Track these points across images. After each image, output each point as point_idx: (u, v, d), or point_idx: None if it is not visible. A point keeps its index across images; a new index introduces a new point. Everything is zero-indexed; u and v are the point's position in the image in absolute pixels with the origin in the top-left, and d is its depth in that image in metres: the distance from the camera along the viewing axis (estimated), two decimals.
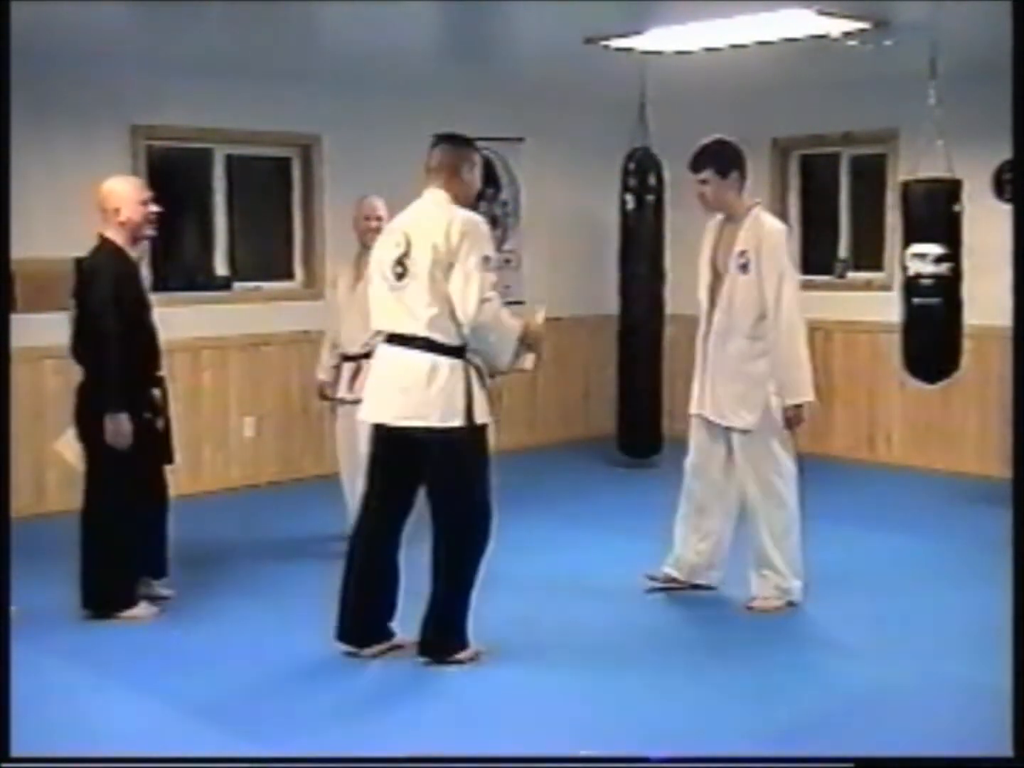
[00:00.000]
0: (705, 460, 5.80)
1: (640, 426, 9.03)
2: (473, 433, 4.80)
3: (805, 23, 6.52)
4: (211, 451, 8.23)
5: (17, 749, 3.53)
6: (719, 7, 6.28)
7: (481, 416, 4.80)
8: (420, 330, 4.73)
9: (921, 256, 7.01)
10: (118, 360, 5.37)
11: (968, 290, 7.20)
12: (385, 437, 4.93)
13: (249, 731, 4.34)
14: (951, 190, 7.06)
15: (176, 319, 8.00)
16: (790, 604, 5.61)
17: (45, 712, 4.41)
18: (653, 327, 8.95)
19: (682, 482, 5.89)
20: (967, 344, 7.41)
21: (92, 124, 7.62)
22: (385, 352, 4.90)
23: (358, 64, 7.75)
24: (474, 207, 5.01)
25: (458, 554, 4.95)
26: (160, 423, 5.65)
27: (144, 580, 5.70)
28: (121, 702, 4.66)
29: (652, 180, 8.81)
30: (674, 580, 5.89)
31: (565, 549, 6.82)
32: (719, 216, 5.80)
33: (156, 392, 5.66)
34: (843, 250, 9.38)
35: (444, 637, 4.96)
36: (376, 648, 5.00)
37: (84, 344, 5.50)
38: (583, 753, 3.90)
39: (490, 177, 9.46)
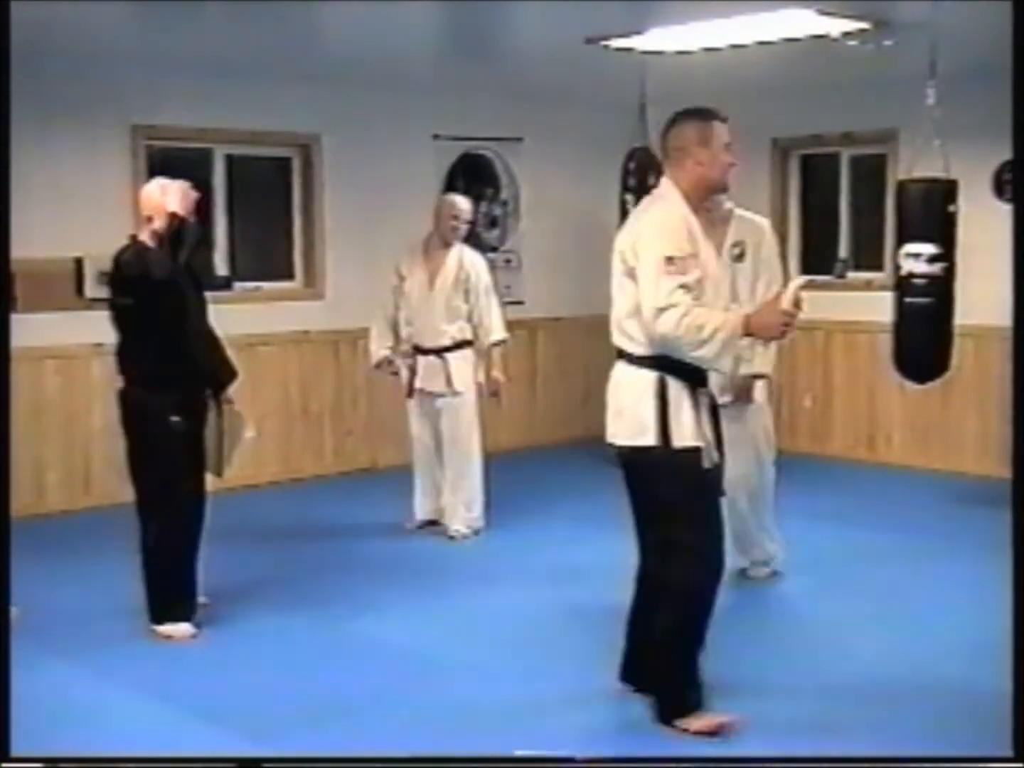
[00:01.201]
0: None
1: None
2: (672, 456, 4.13)
3: (805, 23, 6.51)
4: None
5: (17, 749, 3.54)
6: (719, 7, 6.27)
7: (682, 438, 4.13)
8: (615, 337, 4.27)
9: (915, 256, 7.00)
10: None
11: (967, 290, 7.20)
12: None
13: (248, 731, 4.36)
14: (947, 190, 7.06)
15: None
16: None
17: (44, 711, 4.40)
18: None
19: None
20: (966, 344, 7.42)
21: (92, 124, 7.62)
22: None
23: (358, 64, 7.75)
24: (723, 189, 4.41)
25: (665, 610, 4.29)
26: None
27: None
28: (120, 701, 4.67)
29: (652, 180, 8.77)
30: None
31: (566, 547, 6.82)
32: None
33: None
34: (843, 250, 9.39)
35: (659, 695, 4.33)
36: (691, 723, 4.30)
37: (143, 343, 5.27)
38: (518, 753, 3.91)
39: (489, 177, 9.47)
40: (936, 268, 6.97)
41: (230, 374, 5.52)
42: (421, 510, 7.14)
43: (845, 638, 5.33)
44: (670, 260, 4.00)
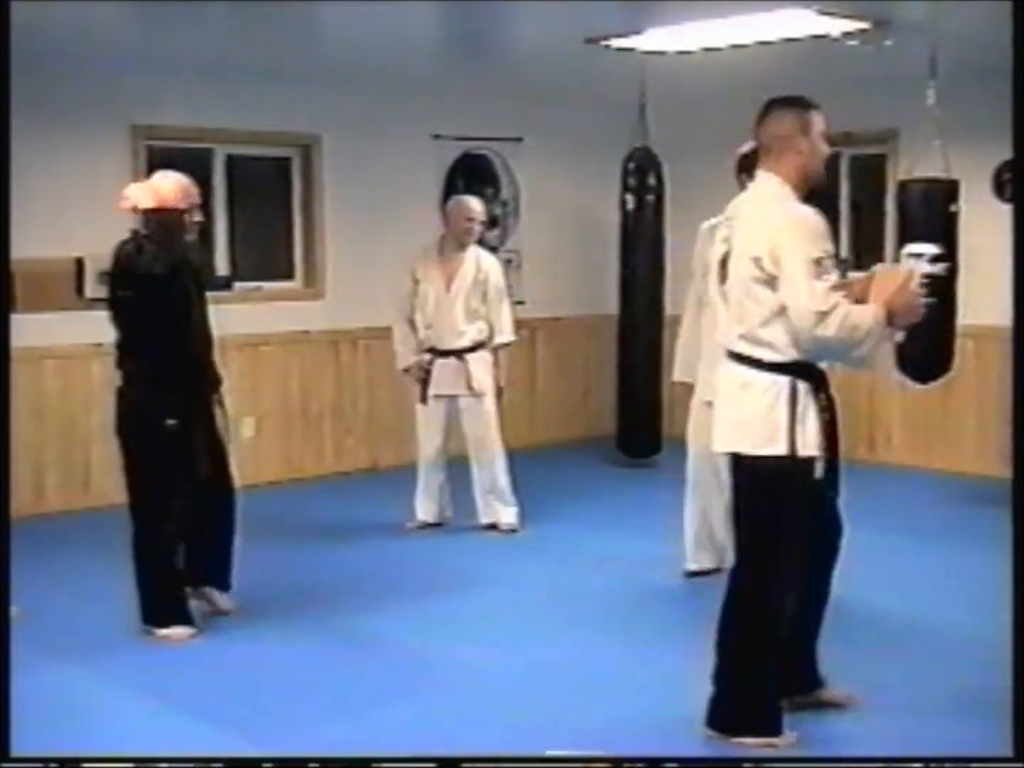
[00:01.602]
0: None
1: (640, 426, 9.03)
2: (795, 467, 3.98)
3: (805, 23, 6.51)
4: None
5: (17, 749, 3.54)
6: (719, 7, 6.27)
7: (806, 446, 3.98)
8: (738, 344, 4.07)
9: (917, 256, 7.00)
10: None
11: (968, 290, 7.20)
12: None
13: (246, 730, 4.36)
14: (948, 190, 7.06)
15: None
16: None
17: (44, 711, 4.40)
18: (653, 327, 8.95)
19: (682, 480, 6.02)
20: (967, 344, 7.41)
21: (92, 124, 7.63)
22: (722, 366, 4.23)
23: (358, 64, 7.74)
24: (822, 180, 4.30)
25: (742, 626, 4.15)
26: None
27: (205, 591, 5.51)
28: (119, 701, 4.67)
29: (652, 180, 8.81)
30: None
31: (565, 547, 6.82)
32: (711, 221, 5.90)
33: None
34: (843, 250, 9.38)
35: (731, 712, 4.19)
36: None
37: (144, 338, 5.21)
38: (550, 753, 3.88)
39: (489, 177, 9.47)
40: (938, 268, 6.98)
41: (217, 377, 5.46)
42: (423, 511, 7.16)
43: (842, 635, 5.32)
44: (818, 262, 3.88)
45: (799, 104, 4.19)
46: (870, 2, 6.27)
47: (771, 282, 3.92)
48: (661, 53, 7.42)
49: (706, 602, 5.73)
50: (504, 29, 7.00)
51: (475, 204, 7.06)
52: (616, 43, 7.06)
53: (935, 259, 6.95)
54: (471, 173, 9.37)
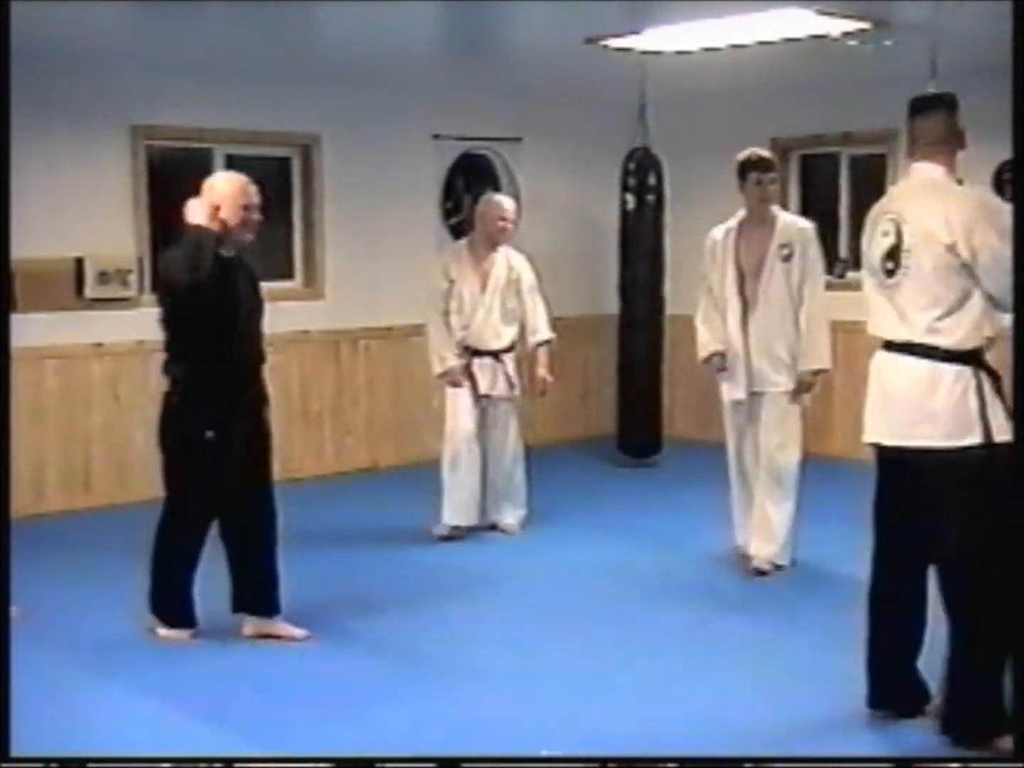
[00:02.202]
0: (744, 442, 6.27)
1: (640, 426, 9.03)
2: (991, 456, 3.93)
3: (805, 23, 6.51)
4: None
5: (17, 749, 3.54)
6: (719, 7, 6.27)
7: (1001, 430, 3.94)
8: (917, 336, 4.01)
9: None
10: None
11: None
12: (886, 462, 4.22)
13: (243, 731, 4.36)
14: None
15: None
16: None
17: (44, 711, 4.41)
18: (653, 327, 8.96)
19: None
20: None
21: (91, 124, 7.63)
22: (882, 360, 4.19)
23: (358, 64, 7.74)
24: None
25: (970, 633, 4.04)
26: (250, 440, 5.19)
27: (258, 620, 5.28)
28: (119, 701, 4.67)
29: (652, 180, 8.81)
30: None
31: (565, 546, 6.83)
32: (729, 224, 6.31)
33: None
34: (843, 250, 9.38)
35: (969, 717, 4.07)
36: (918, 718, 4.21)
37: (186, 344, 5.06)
38: (544, 753, 3.90)
39: (489, 177, 9.47)
40: None
41: (262, 394, 5.29)
42: (454, 516, 6.91)
43: (841, 634, 5.33)
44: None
45: (950, 100, 4.31)
46: (869, 2, 6.27)
47: (963, 268, 3.93)
48: (660, 53, 7.42)
49: (712, 602, 5.80)
50: (504, 29, 7.00)
51: (508, 203, 7.04)
52: (615, 43, 7.06)
53: None
54: (471, 173, 9.37)
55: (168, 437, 5.13)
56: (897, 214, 4.16)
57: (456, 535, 6.89)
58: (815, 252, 6.25)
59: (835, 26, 6.61)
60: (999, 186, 8.42)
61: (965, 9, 6.13)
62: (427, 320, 6.99)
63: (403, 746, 4.09)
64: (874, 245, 4.23)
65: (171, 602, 5.27)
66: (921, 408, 3.99)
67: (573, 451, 9.39)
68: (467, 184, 9.18)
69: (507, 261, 6.96)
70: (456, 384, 6.88)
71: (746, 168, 6.23)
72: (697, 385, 9.68)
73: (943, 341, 3.97)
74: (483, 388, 6.87)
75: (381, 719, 4.48)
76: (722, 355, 6.17)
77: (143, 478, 6.91)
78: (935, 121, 4.20)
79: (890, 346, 4.12)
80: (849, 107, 8.84)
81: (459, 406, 6.90)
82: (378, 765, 3.68)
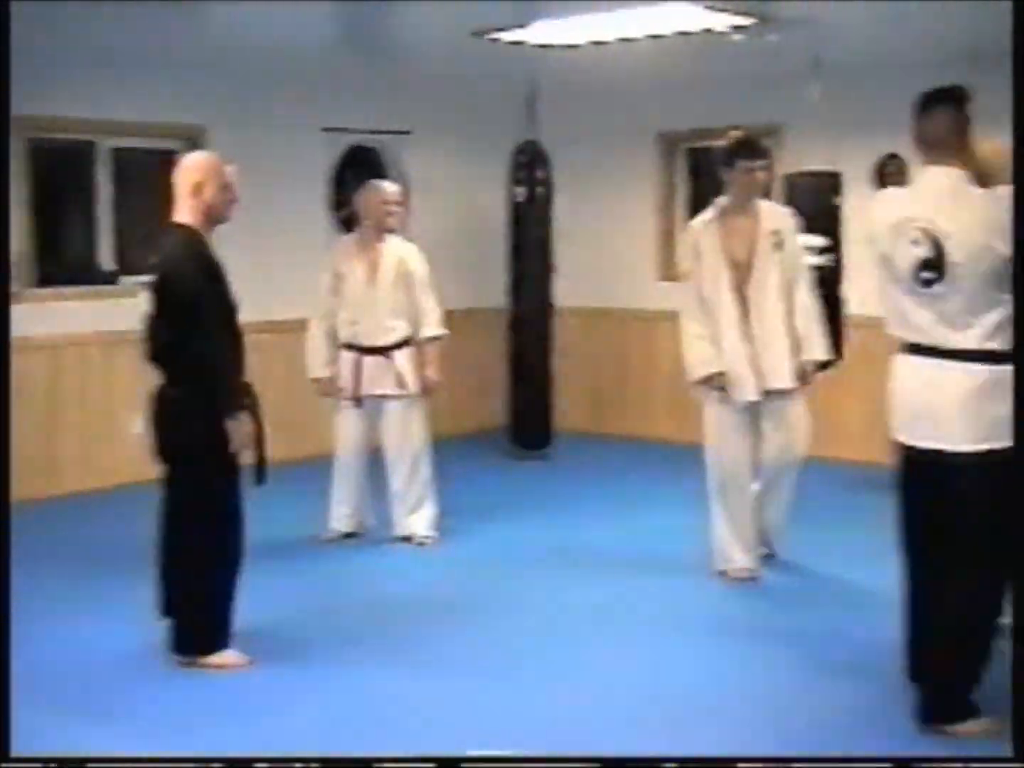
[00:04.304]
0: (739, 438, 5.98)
1: (531, 418, 9.07)
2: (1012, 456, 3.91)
3: (691, 18, 6.59)
4: (102, 448, 8.08)
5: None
6: (607, 2, 6.32)
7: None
8: (973, 343, 3.98)
9: (805, 248, 7.13)
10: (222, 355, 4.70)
11: (851, 281, 7.33)
12: (914, 463, 4.19)
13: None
14: (832, 183, 7.19)
15: (61, 314, 7.89)
16: None
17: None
18: (543, 320, 8.99)
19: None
20: (851, 334, 7.54)
21: None
22: (915, 365, 4.17)
23: (246, 57, 7.68)
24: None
25: (960, 621, 4.10)
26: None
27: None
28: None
29: (541, 173, 8.85)
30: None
31: (456, 539, 6.82)
32: (706, 215, 6.05)
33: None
34: None
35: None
36: (964, 727, 4.10)
37: (173, 345, 4.70)
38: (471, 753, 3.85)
39: (378, 170, 9.42)
40: (825, 259, 7.10)
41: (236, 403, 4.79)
42: (341, 522, 6.78)
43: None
44: None
45: (963, 94, 4.11)
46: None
47: (1000, 268, 3.90)
48: (550, 47, 7.45)
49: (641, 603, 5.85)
50: (393, 22, 6.98)
51: (391, 188, 6.73)
52: (504, 36, 7.08)
53: (821, 251, 7.07)
54: (359, 166, 9.32)
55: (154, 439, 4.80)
56: (929, 223, 3.99)
57: (347, 537, 6.74)
58: (798, 241, 6.02)
59: (721, 21, 6.69)
60: (881, 179, 8.59)
61: (847, 6, 6.24)
62: (311, 319, 6.73)
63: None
64: (901, 254, 4.06)
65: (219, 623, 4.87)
66: (992, 412, 3.96)
67: (466, 444, 9.38)
68: (356, 177, 9.12)
69: (398, 253, 6.65)
70: (326, 394, 6.69)
71: (733, 154, 5.84)
72: (588, 377, 9.76)
73: (999, 345, 3.95)
74: (370, 388, 6.59)
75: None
76: (723, 375, 5.83)
77: None
78: (939, 119, 4.05)
79: (933, 352, 4.06)
80: (735, 101, 8.95)
81: (342, 412, 6.72)
82: (376, 765, 3.67)
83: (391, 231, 6.68)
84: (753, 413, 5.95)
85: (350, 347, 6.62)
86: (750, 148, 5.87)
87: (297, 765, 3.67)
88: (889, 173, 8.55)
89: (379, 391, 6.62)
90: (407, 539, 6.73)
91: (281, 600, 5.68)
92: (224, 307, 4.79)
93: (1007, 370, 3.88)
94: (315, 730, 4.30)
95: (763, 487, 6.09)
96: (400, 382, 6.61)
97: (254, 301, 8.21)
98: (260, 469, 4.89)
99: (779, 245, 5.85)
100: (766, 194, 6.23)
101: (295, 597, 5.81)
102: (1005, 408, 3.89)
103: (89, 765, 3.61)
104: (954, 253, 3.92)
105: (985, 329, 3.95)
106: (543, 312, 9.00)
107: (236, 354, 4.84)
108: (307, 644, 5.16)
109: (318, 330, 6.68)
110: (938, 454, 4.06)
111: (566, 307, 9.06)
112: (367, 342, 6.60)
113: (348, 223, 8.84)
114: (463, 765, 3.65)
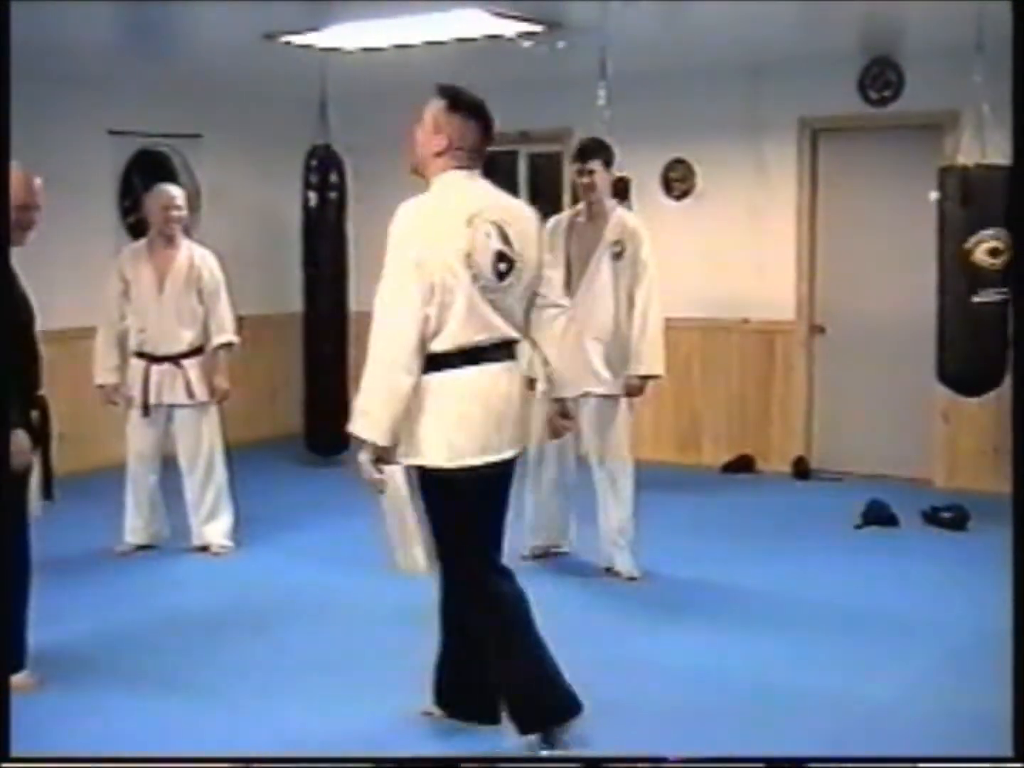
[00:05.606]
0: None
1: (327, 424, 9.02)
2: None
3: (481, 23, 6.65)
4: None
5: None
6: (396, 7, 6.34)
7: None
8: (512, 334, 4.05)
9: None
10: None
11: None
12: (491, 476, 4.00)
13: None
14: (620, 187, 7.32)
15: None
16: None
17: None
18: (338, 325, 8.96)
19: None
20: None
21: None
22: (485, 372, 4.00)
23: (31, 58, 7.44)
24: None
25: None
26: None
27: None
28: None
29: (334, 177, 8.82)
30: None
31: (252, 548, 6.76)
32: (562, 215, 6.19)
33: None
34: None
35: None
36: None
37: None
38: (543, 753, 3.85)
39: (167, 174, 9.26)
40: None
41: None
42: (135, 534, 6.63)
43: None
44: None
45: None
46: (542, 3, 6.44)
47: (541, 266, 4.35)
48: (340, 50, 7.44)
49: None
50: (181, 24, 6.88)
51: (173, 191, 6.62)
52: (295, 39, 7.04)
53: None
54: (148, 170, 9.14)
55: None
56: (496, 218, 4.42)
57: (142, 549, 6.62)
58: (647, 254, 5.99)
59: (509, 27, 6.77)
60: (667, 183, 8.81)
61: (633, 13, 6.37)
62: (98, 325, 6.58)
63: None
64: (479, 247, 4.24)
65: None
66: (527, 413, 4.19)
67: (260, 450, 9.28)
68: (145, 182, 8.94)
69: (189, 259, 6.54)
70: (111, 402, 6.58)
71: (573, 158, 6.06)
72: None
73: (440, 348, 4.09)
74: (159, 396, 6.49)
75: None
76: None
77: None
78: (472, 128, 4.47)
79: (487, 350, 4.00)
80: (526, 107, 9.05)
81: (131, 423, 6.60)
82: (379, 765, 3.65)
83: (172, 236, 6.57)
84: None
85: (140, 355, 6.53)
86: (579, 153, 6.05)
87: (300, 764, 3.68)
88: (674, 179, 8.79)
89: (168, 400, 6.54)
90: (204, 549, 6.65)
91: (73, 617, 5.52)
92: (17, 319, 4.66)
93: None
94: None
95: (562, 485, 6.26)
96: (189, 391, 6.53)
97: (38, 309, 8.06)
98: (47, 483, 4.71)
99: (619, 255, 5.96)
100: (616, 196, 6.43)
101: (88, 613, 5.65)
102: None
103: (89, 765, 3.60)
104: (515, 247, 4.30)
105: (520, 324, 4.16)
106: (338, 316, 8.96)
107: (29, 367, 4.72)
108: (96, 662, 5.04)
109: (104, 337, 6.54)
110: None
111: (362, 311, 9.02)
112: (156, 350, 6.50)
113: (138, 229, 8.67)
114: (463, 765, 3.66)
